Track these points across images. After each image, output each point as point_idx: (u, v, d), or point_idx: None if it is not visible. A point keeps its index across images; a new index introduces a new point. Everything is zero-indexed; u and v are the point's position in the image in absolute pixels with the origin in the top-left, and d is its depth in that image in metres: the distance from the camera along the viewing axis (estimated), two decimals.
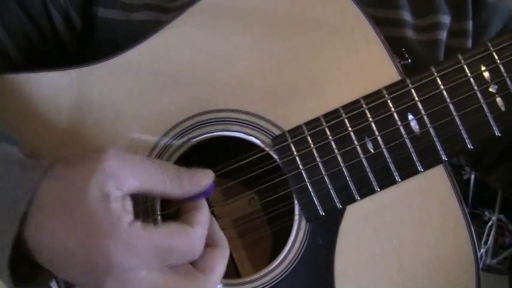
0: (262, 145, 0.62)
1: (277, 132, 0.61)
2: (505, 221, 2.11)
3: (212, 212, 0.68)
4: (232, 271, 0.68)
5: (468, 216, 0.60)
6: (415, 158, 0.59)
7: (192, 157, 0.66)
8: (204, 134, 0.63)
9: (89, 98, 0.65)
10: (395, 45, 0.61)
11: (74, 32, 0.74)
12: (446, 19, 0.71)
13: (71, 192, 0.50)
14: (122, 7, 0.72)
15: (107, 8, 0.72)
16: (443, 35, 0.70)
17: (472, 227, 0.60)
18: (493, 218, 2.10)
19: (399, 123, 0.59)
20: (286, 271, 0.62)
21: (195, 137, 0.63)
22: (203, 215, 0.55)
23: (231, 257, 0.68)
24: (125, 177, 0.51)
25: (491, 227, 2.10)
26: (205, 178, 0.56)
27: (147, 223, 0.51)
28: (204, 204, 0.56)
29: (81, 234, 0.49)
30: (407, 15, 0.71)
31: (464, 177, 1.96)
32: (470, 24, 0.71)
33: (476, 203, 2.06)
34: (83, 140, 0.65)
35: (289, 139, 0.61)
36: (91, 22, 0.72)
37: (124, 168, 0.51)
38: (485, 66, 0.58)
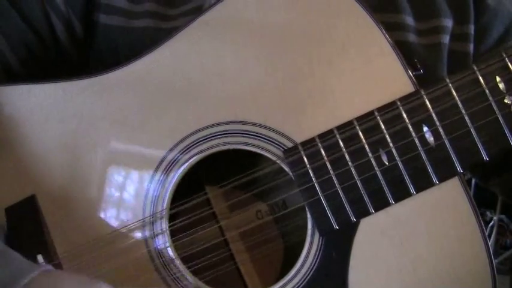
0: (273, 158, 0.61)
1: (290, 144, 0.60)
2: (506, 221, 2.11)
3: (219, 227, 0.67)
4: (240, 285, 0.67)
5: (484, 227, 0.60)
6: (430, 170, 0.58)
7: (201, 170, 0.65)
8: (214, 147, 0.62)
9: (82, 113, 0.64)
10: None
11: (75, 40, 0.73)
12: (448, 22, 0.70)
13: None
14: (122, 14, 0.71)
15: (109, 14, 0.71)
16: (445, 39, 0.70)
17: (487, 238, 0.59)
18: (495, 218, 2.10)
19: (414, 135, 0.58)
20: (299, 286, 0.61)
21: (204, 150, 0.62)
22: None
23: (238, 271, 0.67)
24: None
25: (492, 227, 2.10)
26: None
27: None
28: None
29: None
30: (409, 19, 0.70)
31: (466, 178, 1.96)
32: (472, 28, 0.70)
33: (477, 203, 2.05)
34: (76, 160, 0.64)
35: (302, 152, 0.60)
36: (92, 29, 0.71)
37: None
38: (500, 77, 0.57)
